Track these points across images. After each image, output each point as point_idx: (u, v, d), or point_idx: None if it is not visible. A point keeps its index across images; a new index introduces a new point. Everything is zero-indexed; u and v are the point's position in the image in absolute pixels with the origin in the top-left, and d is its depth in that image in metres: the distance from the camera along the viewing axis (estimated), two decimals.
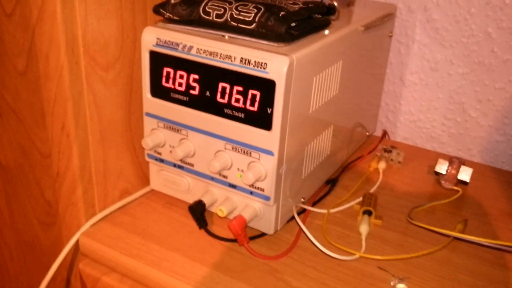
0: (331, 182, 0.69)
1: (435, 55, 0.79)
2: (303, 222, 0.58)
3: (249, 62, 0.50)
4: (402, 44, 0.82)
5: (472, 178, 0.69)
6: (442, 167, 0.68)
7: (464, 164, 0.68)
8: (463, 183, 0.69)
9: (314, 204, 0.64)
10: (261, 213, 0.56)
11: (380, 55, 0.77)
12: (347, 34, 0.61)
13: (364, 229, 0.58)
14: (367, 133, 0.80)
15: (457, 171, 0.67)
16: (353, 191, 0.67)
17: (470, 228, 0.62)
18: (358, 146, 0.79)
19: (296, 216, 0.57)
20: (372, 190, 0.67)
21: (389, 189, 0.69)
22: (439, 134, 0.84)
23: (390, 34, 0.78)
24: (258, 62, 0.50)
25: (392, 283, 0.51)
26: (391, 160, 0.75)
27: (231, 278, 0.51)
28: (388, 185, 0.70)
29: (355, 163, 0.74)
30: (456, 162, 0.68)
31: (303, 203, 0.61)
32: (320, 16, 0.59)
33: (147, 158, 0.61)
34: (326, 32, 0.58)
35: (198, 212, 0.56)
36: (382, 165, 0.72)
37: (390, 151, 0.75)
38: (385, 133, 0.84)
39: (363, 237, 0.58)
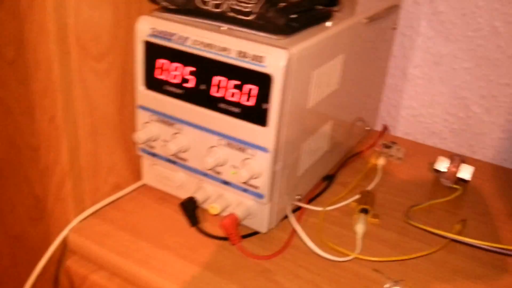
0: (329, 179, 0.67)
1: (439, 49, 0.77)
2: (299, 220, 0.57)
3: (245, 55, 0.48)
4: (406, 37, 0.79)
5: (473, 176, 0.68)
6: (442, 165, 0.66)
7: (464, 162, 0.67)
8: (464, 181, 0.67)
9: (310, 202, 0.62)
10: (255, 211, 0.55)
11: (383, 48, 0.75)
12: (350, 26, 0.59)
13: (359, 228, 0.57)
14: (367, 128, 0.78)
15: (457, 169, 0.66)
16: (350, 188, 0.65)
17: (469, 228, 0.60)
18: (357, 141, 0.77)
19: (289, 215, 0.56)
20: (369, 188, 0.66)
21: (387, 186, 0.67)
22: (440, 129, 0.82)
23: (394, 27, 0.76)
24: (255, 56, 0.48)
25: (386, 286, 0.50)
26: (391, 156, 0.73)
27: (221, 278, 0.50)
28: (387, 182, 0.68)
29: (354, 158, 0.73)
30: (456, 159, 0.66)
31: (298, 200, 0.60)
32: (322, 7, 0.57)
33: (139, 152, 0.59)
34: (328, 24, 0.56)
35: (190, 209, 0.55)
36: (381, 161, 0.71)
37: (390, 147, 0.74)
38: (385, 127, 0.82)
39: (359, 237, 0.56)
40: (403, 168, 0.72)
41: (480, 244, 0.53)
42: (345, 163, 0.71)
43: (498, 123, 0.77)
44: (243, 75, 0.49)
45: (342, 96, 0.63)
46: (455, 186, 0.67)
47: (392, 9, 0.71)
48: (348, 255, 0.53)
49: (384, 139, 0.77)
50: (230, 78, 0.50)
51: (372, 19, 0.64)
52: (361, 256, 0.53)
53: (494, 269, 0.54)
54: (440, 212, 0.63)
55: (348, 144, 0.73)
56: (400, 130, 0.85)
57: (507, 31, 0.71)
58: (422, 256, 0.54)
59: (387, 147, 0.74)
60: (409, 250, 0.55)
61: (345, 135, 0.70)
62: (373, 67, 0.73)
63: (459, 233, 0.57)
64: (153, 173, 0.60)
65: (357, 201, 0.62)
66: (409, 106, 0.83)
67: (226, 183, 0.54)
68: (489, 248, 0.53)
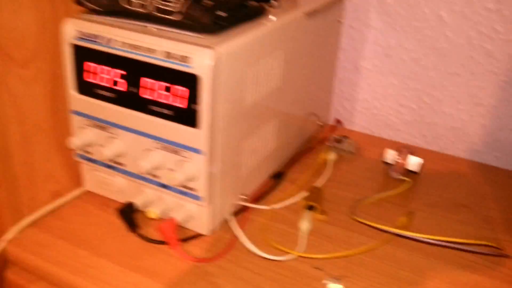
0: (278, 176, 0.66)
1: (388, 40, 0.77)
2: (245, 220, 0.56)
3: (172, 56, 0.47)
4: (354, 30, 0.79)
5: (425, 166, 0.68)
6: (389, 157, 0.66)
7: (413, 153, 0.66)
8: (414, 172, 0.67)
9: (257, 200, 0.61)
10: (196, 214, 0.54)
11: (330, 41, 0.74)
12: (288, 22, 0.58)
13: (304, 226, 0.56)
14: (320, 123, 0.78)
15: (405, 161, 0.65)
16: (299, 185, 0.65)
17: (418, 220, 0.60)
18: (310, 136, 0.76)
19: (228, 217, 0.55)
20: (318, 184, 0.65)
21: (337, 181, 0.67)
22: (394, 121, 0.81)
23: (340, 20, 0.75)
24: (182, 56, 0.47)
25: (323, 282, 0.49)
26: (343, 150, 0.73)
27: (161, 284, 0.49)
28: (337, 177, 0.68)
29: (305, 154, 0.72)
30: (404, 151, 0.66)
31: (244, 200, 0.59)
32: (255, 3, 0.56)
33: (77, 158, 0.58)
34: (266, 20, 0.55)
35: (128, 214, 0.53)
36: (332, 156, 0.70)
37: (341, 141, 0.73)
38: (338, 122, 0.81)
39: (303, 235, 0.55)
40: (355, 162, 0.72)
41: (422, 238, 0.52)
42: (296, 160, 0.70)
43: (450, 112, 0.76)
44: (171, 76, 0.48)
45: (286, 92, 0.62)
46: (404, 178, 0.66)
47: (336, 3, 0.71)
48: (289, 254, 0.52)
49: (339, 133, 0.77)
50: (159, 79, 0.49)
51: (312, 13, 0.63)
52: (303, 254, 0.53)
53: (438, 261, 0.54)
54: (388, 205, 0.62)
55: (299, 140, 0.73)
56: (356, 123, 0.85)
57: (452, 20, 0.71)
58: (366, 251, 0.54)
59: (338, 141, 0.73)
60: (355, 245, 0.55)
61: (295, 131, 0.70)
62: (320, 61, 0.72)
63: (405, 226, 0.57)
64: (94, 179, 0.59)
65: (305, 198, 0.61)
66: (362, 99, 0.83)
67: (164, 186, 0.53)
68: (432, 241, 0.52)
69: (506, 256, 0.55)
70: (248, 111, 0.54)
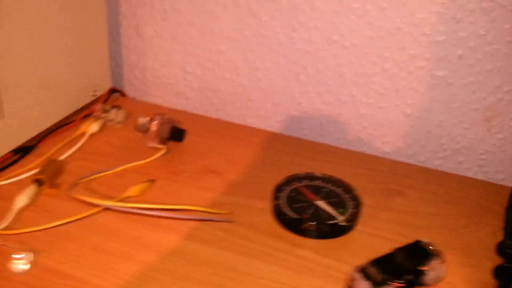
0: (23, 151, 0.61)
1: (163, 4, 0.73)
2: None
3: None
4: None
5: (194, 133, 0.66)
6: (141, 125, 0.63)
7: (173, 122, 0.64)
8: (176, 139, 0.65)
9: None
10: None
11: (89, 6, 0.69)
12: None
13: (20, 201, 0.52)
14: (95, 93, 0.73)
15: (159, 128, 0.62)
16: (45, 158, 0.60)
17: (155, 189, 0.57)
18: (82, 107, 0.71)
19: None
20: (64, 156, 0.61)
21: (90, 153, 0.63)
22: (184, 90, 0.78)
23: None
24: None
25: (14, 256, 0.45)
26: (110, 120, 0.69)
27: None
28: (92, 149, 0.64)
29: (67, 126, 0.67)
30: (158, 118, 0.63)
31: None
32: None
33: None
34: None
35: None
36: (93, 128, 0.66)
37: (108, 111, 0.69)
38: (114, 91, 0.77)
39: (14, 209, 0.51)
40: (119, 133, 0.68)
41: (129, 208, 0.50)
42: (54, 133, 0.66)
43: (230, 78, 0.74)
44: None
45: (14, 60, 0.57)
46: (160, 146, 0.63)
47: None
48: None
49: (123, 103, 0.73)
50: None
51: None
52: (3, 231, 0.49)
53: (156, 230, 0.51)
54: (134, 175, 0.59)
55: (64, 111, 0.68)
56: (150, 93, 0.81)
57: None
58: (69, 222, 0.50)
59: (106, 111, 0.69)
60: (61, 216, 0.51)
61: (56, 101, 0.65)
62: (76, 28, 0.67)
63: (137, 196, 0.55)
64: None
65: (38, 172, 0.57)
66: (151, 68, 0.79)
67: None
68: (139, 211, 0.50)
69: (230, 222, 0.53)
70: None
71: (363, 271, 0.42)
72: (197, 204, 0.54)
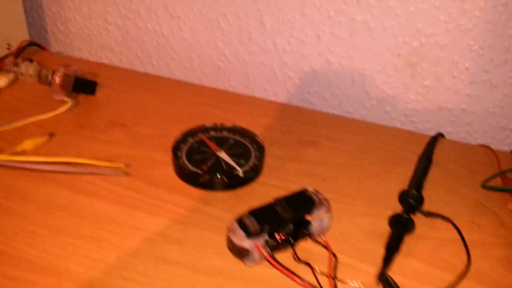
0: None
1: None
2: None
3: None
4: None
5: (109, 86, 0.63)
6: (44, 77, 0.60)
7: (80, 75, 0.61)
8: (86, 92, 0.62)
9: None
10: None
11: None
12: None
13: None
14: (9, 46, 0.70)
15: (63, 80, 0.59)
16: None
17: (57, 142, 0.54)
18: None
19: None
20: None
21: None
22: (107, 41, 0.75)
23: None
24: None
25: None
26: (22, 74, 0.66)
27: None
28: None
29: None
30: (61, 70, 0.59)
31: None
32: None
33: None
34: None
35: None
36: (1, 82, 0.63)
37: (18, 65, 0.65)
38: (33, 44, 0.73)
39: None
40: (30, 86, 0.64)
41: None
42: None
43: (152, 28, 0.71)
44: None
45: None
46: (67, 99, 0.60)
47: None
48: None
49: (43, 57, 0.69)
50: None
51: None
52: None
53: (44, 185, 0.49)
54: (35, 129, 0.56)
55: None
56: (75, 47, 0.78)
57: None
58: None
59: (16, 65, 0.65)
60: None
61: None
62: None
63: (32, 151, 0.52)
64: None
65: None
66: (73, 19, 0.75)
67: None
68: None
69: (125, 175, 0.51)
70: None
71: (240, 221, 0.40)
72: (96, 158, 0.52)
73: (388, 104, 0.64)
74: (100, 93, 0.64)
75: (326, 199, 0.43)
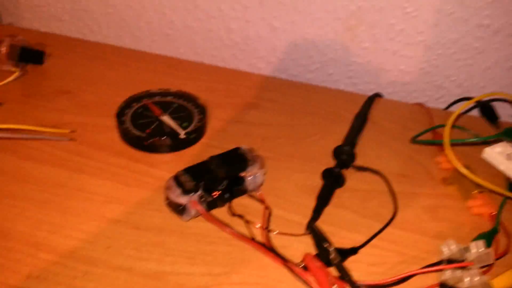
0: None
1: None
2: None
3: None
4: None
5: (58, 55, 0.64)
6: None
7: (27, 45, 0.61)
8: (34, 62, 0.62)
9: None
10: None
11: None
12: None
13: None
14: None
15: (9, 50, 0.60)
16: None
17: (4, 111, 0.56)
18: None
19: None
20: None
21: None
22: (56, 11, 0.75)
23: None
24: None
25: None
26: None
27: None
28: None
29: None
30: (7, 40, 0.60)
31: None
32: None
33: None
34: None
35: None
36: None
37: None
38: None
39: None
40: None
41: None
42: None
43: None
44: None
45: None
46: (13, 69, 0.61)
47: None
48: None
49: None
50: None
51: None
52: None
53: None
54: None
55: None
56: (24, 17, 0.77)
57: None
58: None
59: None
60: None
61: None
62: None
63: None
64: None
65: None
66: None
67: None
68: None
69: (70, 140, 0.52)
70: None
71: (176, 178, 0.43)
72: (42, 125, 0.53)
73: (330, 67, 0.67)
74: (48, 62, 0.64)
75: (259, 156, 0.45)
